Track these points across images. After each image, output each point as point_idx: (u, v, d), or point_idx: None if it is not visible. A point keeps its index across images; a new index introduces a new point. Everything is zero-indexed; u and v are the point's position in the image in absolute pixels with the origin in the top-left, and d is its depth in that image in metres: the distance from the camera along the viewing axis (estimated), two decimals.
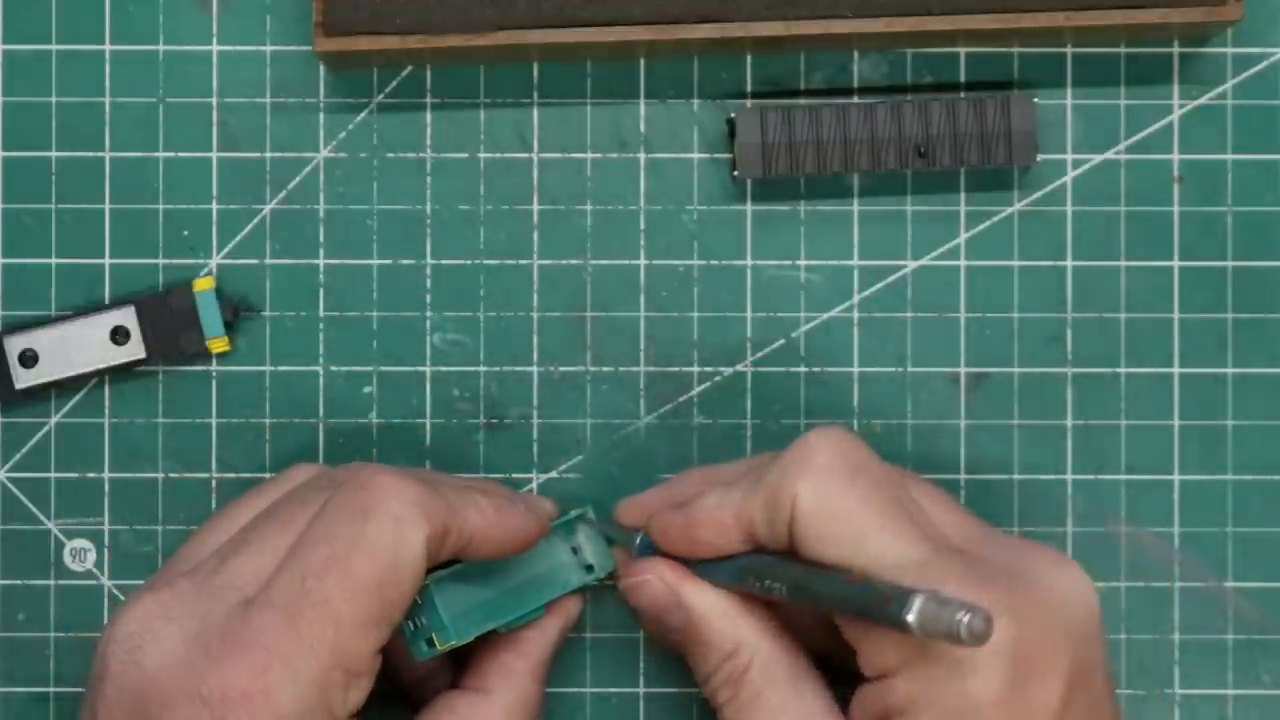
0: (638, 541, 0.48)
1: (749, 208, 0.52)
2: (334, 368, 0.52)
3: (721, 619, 0.45)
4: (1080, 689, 0.41)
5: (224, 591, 0.43)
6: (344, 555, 0.42)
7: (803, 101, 0.52)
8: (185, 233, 0.51)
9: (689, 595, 0.46)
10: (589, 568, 0.49)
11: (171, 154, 0.51)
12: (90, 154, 0.51)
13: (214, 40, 0.51)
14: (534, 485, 0.51)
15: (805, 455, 0.43)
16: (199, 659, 0.41)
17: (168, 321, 0.51)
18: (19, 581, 0.51)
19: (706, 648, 0.45)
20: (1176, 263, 0.52)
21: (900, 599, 0.39)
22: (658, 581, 0.46)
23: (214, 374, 0.51)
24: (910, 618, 0.39)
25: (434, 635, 0.45)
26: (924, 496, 0.45)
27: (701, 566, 0.46)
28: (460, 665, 0.48)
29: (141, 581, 0.51)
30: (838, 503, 0.43)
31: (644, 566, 0.47)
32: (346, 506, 0.43)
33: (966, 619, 0.38)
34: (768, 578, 0.43)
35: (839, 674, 0.45)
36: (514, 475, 0.51)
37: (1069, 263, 0.52)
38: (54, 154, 0.51)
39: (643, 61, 0.52)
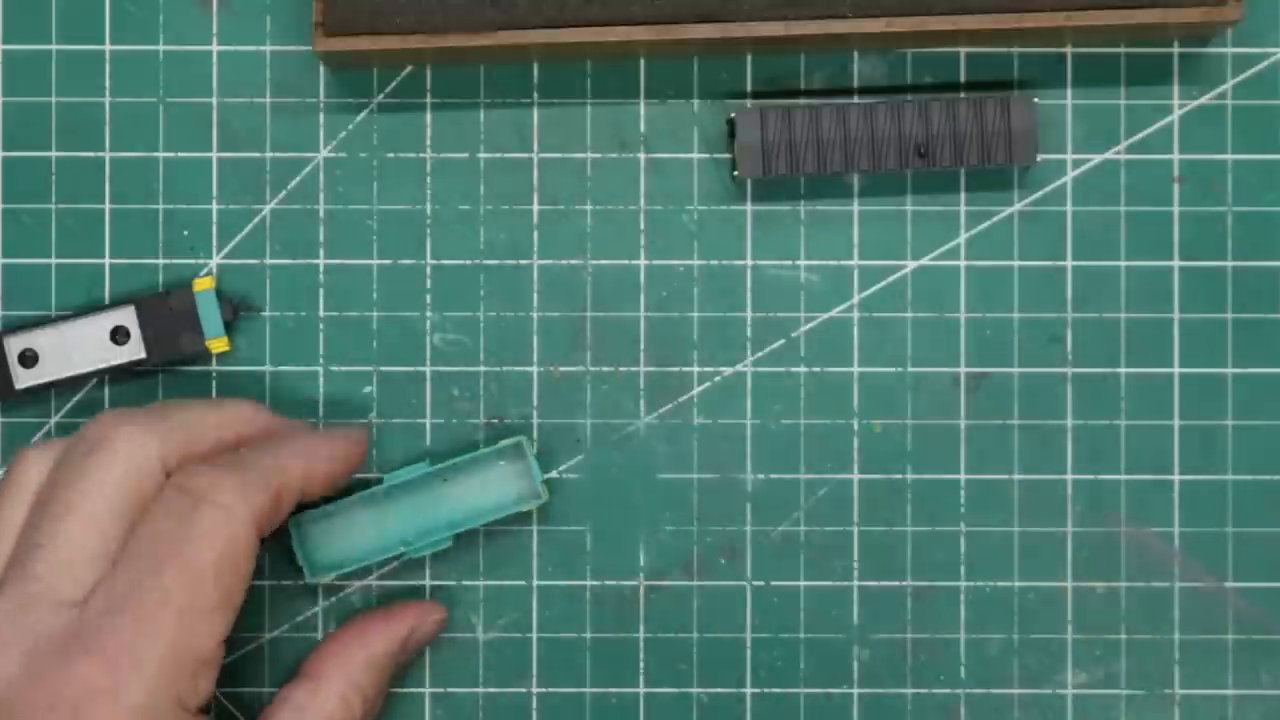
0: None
1: (749, 208, 0.52)
2: (334, 368, 0.52)
3: None
4: None
5: (43, 600, 0.43)
6: (177, 549, 0.43)
7: (803, 101, 0.52)
8: (185, 233, 0.51)
9: None
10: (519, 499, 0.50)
11: (171, 154, 0.51)
12: (90, 154, 0.51)
13: (214, 40, 0.51)
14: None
15: None
16: (42, 669, 0.42)
17: (168, 321, 0.51)
18: None
19: None
20: (1176, 263, 0.52)
21: None
22: None
23: (214, 374, 0.51)
24: None
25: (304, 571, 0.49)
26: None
27: None
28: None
29: None
30: None
31: None
32: (170, 508, 0.43)
33: None
34: None
35: None
36: None
37: (1069, 263, 0.52)
38: (54, 154, 0.51)
39: (643, 61, 0.52)
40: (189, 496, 0.44)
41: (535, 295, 0.52)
